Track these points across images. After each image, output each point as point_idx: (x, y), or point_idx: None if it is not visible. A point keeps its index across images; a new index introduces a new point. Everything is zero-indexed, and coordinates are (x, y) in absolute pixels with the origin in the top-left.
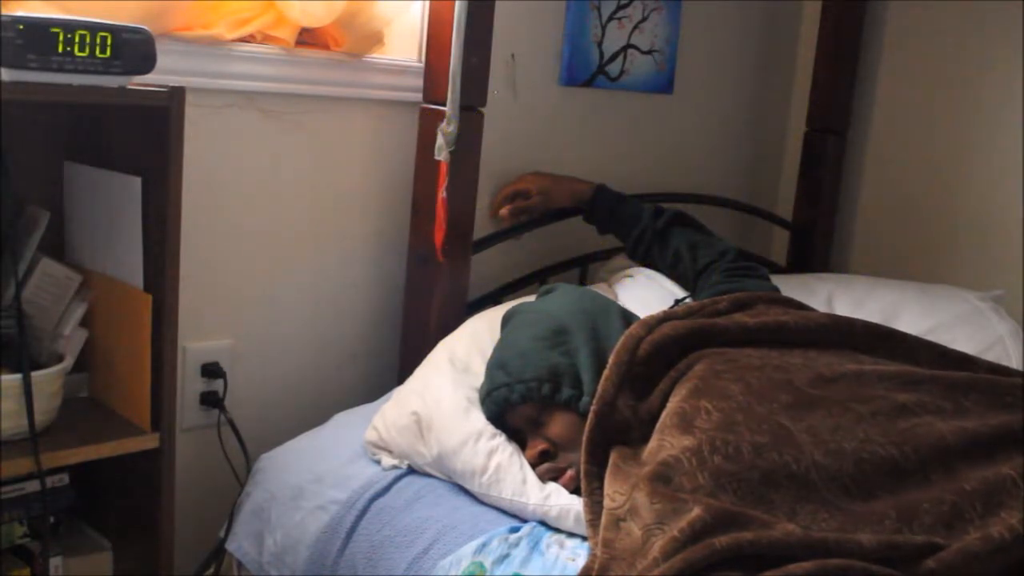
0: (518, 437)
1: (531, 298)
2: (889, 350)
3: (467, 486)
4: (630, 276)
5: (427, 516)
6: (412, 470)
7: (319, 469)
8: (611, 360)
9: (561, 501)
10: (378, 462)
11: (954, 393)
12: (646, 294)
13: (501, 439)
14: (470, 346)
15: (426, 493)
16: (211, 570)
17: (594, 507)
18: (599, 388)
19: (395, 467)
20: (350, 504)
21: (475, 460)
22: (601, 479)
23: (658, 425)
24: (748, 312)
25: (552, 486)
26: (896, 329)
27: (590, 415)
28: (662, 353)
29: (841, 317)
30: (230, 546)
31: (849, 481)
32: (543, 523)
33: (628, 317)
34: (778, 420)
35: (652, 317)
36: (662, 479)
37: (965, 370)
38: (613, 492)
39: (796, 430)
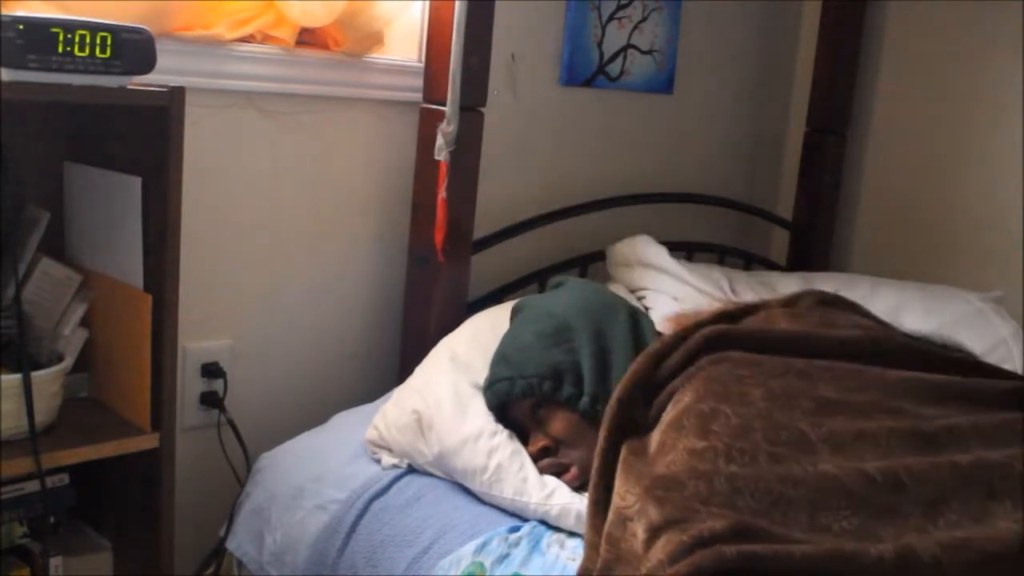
0: (520, 430)
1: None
2: (925, 367)
3: (468, 485)
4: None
5: (427, 516)
6: (412, 469)
7: (319, 469)
8: (632, 368)
9: (562, 500)
10: (378, 461)
11: (979, 410)
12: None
13: (502, 438)
14: (472, 344)
15: (426, 492)
16: (211, 569)
17: (597, 503)
18: (617, 391)
19: (395, 466)
20: (350, 503)
21: (476, 459)
22: (611, 476)
23: (671, 421)
24: (792, 309)
25: (553, 484)
26: (936, 350)
27: (605, 419)
28: (684, 363)
29: (879, 333)
30: (230, 545)
31: (867, 493)
32: (543, 522)
33: (635, 316)
34: (799, 427)
35: (684, 326)
36: (675, 485)
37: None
38: (624, 491)
39: (816, 438)
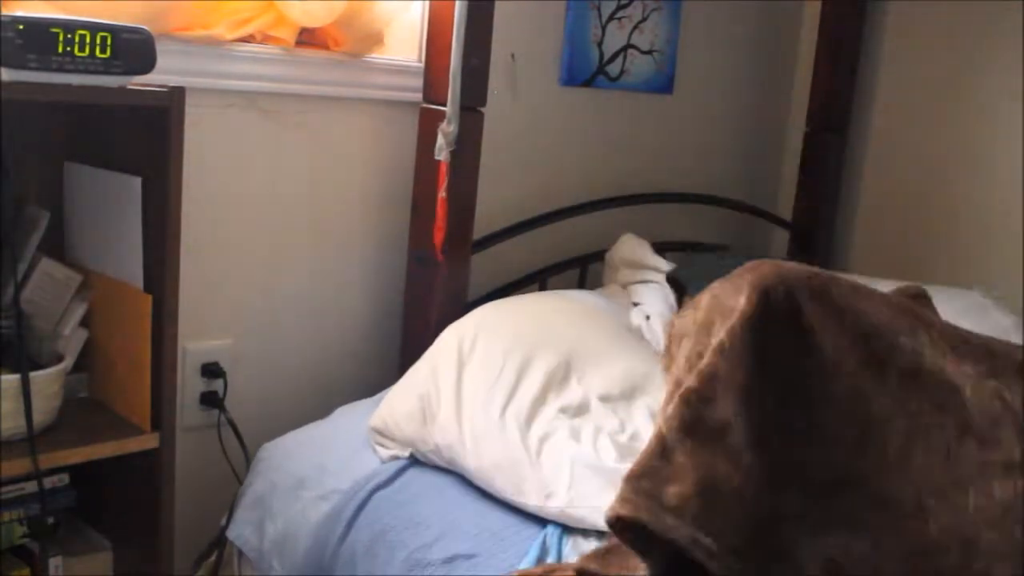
0: None
1: None
2: None
3: (468, 477)
4: (648, 283)
5: (429, 512)
6: (415, 461)
7: (321, 459)
8: None
9: (559, 503)
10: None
11: None
12: (661, 302)
13: (504, 435)
14: (477, 331)
15: (428, 489)
16: (212, 558)
17: None
18: None
19: (395, 457)
20: (352, 494)
21: (477, 455)
22: None
23: None
24: None
25: (551, 486)
26: None
27: None
28: None
29: None
30: (231, 534)
31: None
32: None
33: None
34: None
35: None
36: None
37: None
38: None
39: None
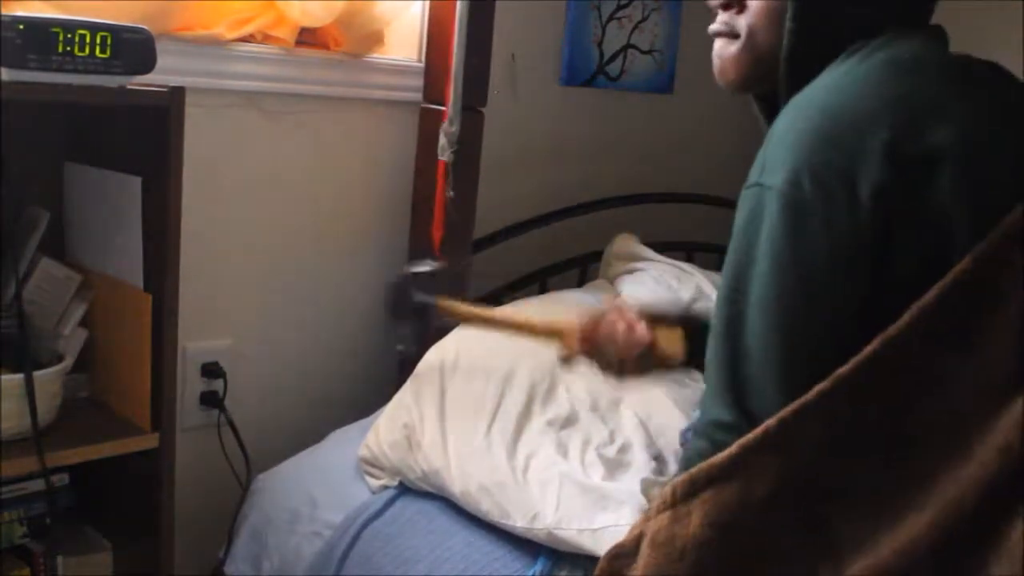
0: None
1: None
2: None
3: (456, 502)
4: (633, 272)
5: (419, 545)
6: (405, 489)
7: (314, 492)
8: None
9: (545, 523)
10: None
11: None
12: (647, 293)
13: (488, 458)
14: (458, 350)
15: (419, 519)
16: None
17: None
18: None
19: (385, 487)
20: (343, 529)
21: (462, 480)
22: None
23: None
24: None
25: (537, 507)
26: None
27: None
28: None
29: None
30: (228, 569)
31: None
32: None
33: None
34: None
35: None
36: None
37: None
38: None
39: None
